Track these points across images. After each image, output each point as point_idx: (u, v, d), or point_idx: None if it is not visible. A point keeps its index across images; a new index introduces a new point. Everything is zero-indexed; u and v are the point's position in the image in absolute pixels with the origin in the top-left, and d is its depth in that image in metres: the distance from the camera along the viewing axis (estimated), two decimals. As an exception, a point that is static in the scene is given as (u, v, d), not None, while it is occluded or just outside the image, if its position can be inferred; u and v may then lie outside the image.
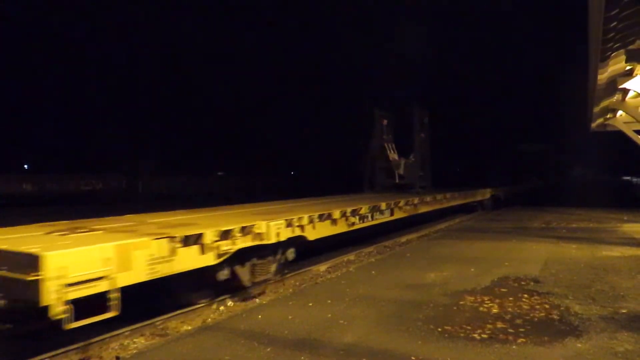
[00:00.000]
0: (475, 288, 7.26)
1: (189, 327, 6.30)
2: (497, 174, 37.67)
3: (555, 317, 5.82)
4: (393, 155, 16.50)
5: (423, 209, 15.48)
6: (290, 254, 8.52)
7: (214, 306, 7.30)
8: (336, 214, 10.03)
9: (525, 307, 6.24)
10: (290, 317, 5.99)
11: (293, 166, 63.36)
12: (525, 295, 6.77)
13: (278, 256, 8.23)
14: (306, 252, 10.00)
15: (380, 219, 12.38)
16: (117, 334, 5.95)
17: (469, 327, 5.43)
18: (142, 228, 6.72)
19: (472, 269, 8.65)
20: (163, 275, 5.85)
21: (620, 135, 17.99)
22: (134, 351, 5.34)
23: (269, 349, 4.88)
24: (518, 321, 5.65)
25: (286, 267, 8.75)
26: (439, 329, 5.39)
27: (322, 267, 10.00)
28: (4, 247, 5.01)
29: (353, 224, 10.87)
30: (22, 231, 6.40)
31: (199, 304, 7.23)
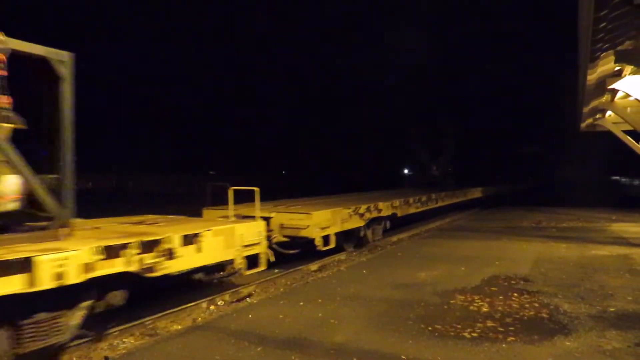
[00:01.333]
0: (465, 287, 7.29)
1: (179, 327, 6.26)
2: (493, 175, 38.35)
3: (544, 315, 5.86)
4: (425, 159, 18.89)
5: (448, 201, 20.38)
6: (388, 224, 13.60)
7: (204, 305, 7.26)
8: (410, 200, 15.27)
9: (515, 305, 6.27)
10: (280, 316, 5.98)
11: (284, 166, 63.41)
12: (515, 294, 6.81)
13: (382, 225, 13.18)
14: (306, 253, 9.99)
15: (432, 205, 17.86)
16: (106, 334, 5.89)
17: (459, 326, 5.45)
18: (320, 204, 11.73)
19: (463, 268, 8.69)
20: (346, 229, 11.00)
21: (609, 135, 18.18)
22: (123, 351, 5.29)
23: (259, 349, 4.86)
24: (508, 320, 5.68)
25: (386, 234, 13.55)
26: (430, 328, 5.40)
27: (313, 267, 9.99)
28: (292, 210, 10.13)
29: (417, 207, 16.07)
30: (258, 207, 8.72)
31: (349, 250, 11.65)
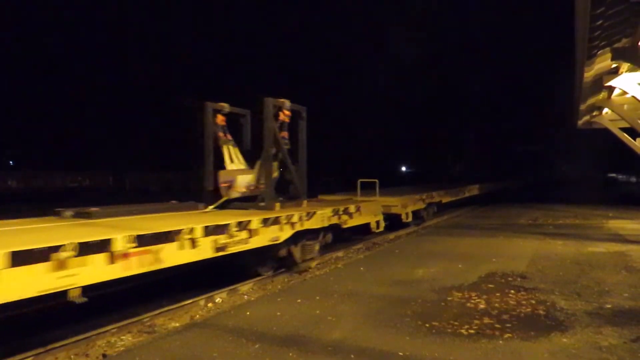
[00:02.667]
0: (462, 284, 7.31)
1: (177, 324, 6.27)
2: (492, 172, 39.38)
3: (541, 312, 5.89)
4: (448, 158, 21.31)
5: (474, 192, 24.59)
6: (436, 208, 18.12)
7: (202, 303, 7.27)
8: (448, 192, 19.77)
9: (511, 302, 6.30)
10: (278, 313, 5.99)
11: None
12: (512, 291, 6.84)
13: (433, 209, 17.70)
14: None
15: (461, 196, 21.90)
16: (104, 332, 5.91)
17: (456, 323, 5.47)
18: (391, 193, 15.51)
19: (460, 265, 8.71)
20: (415, 209, 15.29)
21: (606, 132, 18.23)
22: (121, 349, 5.30)
23: (257, 346, 4.88)
24: (505, 317, 5.70)
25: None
26: (427, 325, 5.42)
27: (311, 264, 9.99)
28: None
29: (451, 197, 20.14)
30: (377, 193, 14.18)
31: (414, 225, 15.56)
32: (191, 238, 6.53)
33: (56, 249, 4.92)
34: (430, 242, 11.81)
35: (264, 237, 8.01)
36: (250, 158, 10.59)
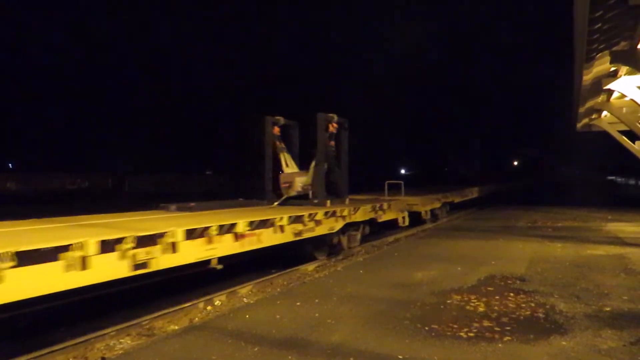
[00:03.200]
0: (462, 287, 7.31)
1: (176, 327, 6.25)
2: (493, 174, 40.36)
3: (540, 315, 5.88)
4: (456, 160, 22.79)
5: (482, 193, 26.69)
6: (448, 207, 19.85)
7: (201, 305, 7.26)
8: (458, 192, 21.78)
9: (511, 305, 6.30)
10: (277, 316, 5.98)
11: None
12: (511, 294, 6.83)
13: (446, 208, 19.53)
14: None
15: (469, 196, 23.82)
16: (103, 334, 5.89)
17: (455, 326, 5.46)
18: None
19: (459, 268, 8.71)
20: (432, 208, 17.31)
21: (605, 135, 18.25)
22: (120, 352, 5.28)
23: (256, 349, 4.87)
24: (504, 319, 5.70)
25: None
26: (426, 328, 5.42)
27: (310, 267, 10.00)
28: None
29: (461, 197, 21.98)
30: (403, 192, 16.36)
31: (429, 223, 16.96)
32: (280, 225, 8.53)
33: (207, 228, 6.91)
34: (430, 245, 11.81)
35: (325, 227, 10.02)
36: (300, 162, 12.77)
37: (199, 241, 6.70)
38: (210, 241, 6.86)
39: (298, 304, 6.54)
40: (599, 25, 8.16)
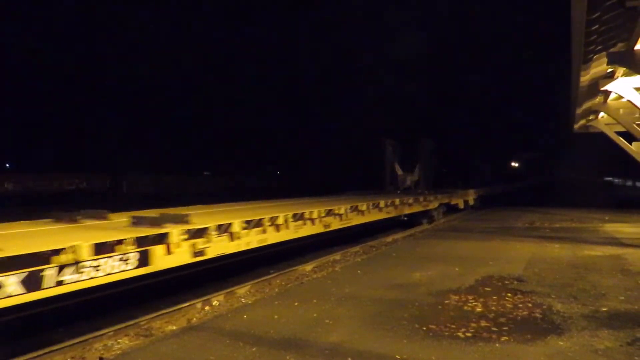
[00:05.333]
0: (460, 287, 7.32)
1: (174, 327, 6.26)
2: (494, 177, 41.71)
3: (538, 315, 5.90)
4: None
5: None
6: (480, 199, 25.10)
7: (199, 306, 7.26)
8: (482, 189, 26.86)
9: (508, 305, 6.31)
10: (275, 316, 5.99)
11: (277, 167, 63.73)
12: (509, 294, 6.85)
13: (477, 201, 24.26)
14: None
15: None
16: (101, 335, 5.89)
17: (453, 326, 5.48)
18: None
19: (457, 269, 8.72)
20: (452, 204, 21.25)
21: (602, 136, 18.30)
22: (118, 352, 5.28)
23: (254, 349, 4.87)
24: (501, 320, 5.72)
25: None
26: (424, 328, 5.43)
27: (308, 267, 10.00)
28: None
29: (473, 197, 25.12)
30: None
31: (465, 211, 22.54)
32: (395, 204, 14.00)
33: (378, 204, 12.82)
34: (428, 246, 11.83)
35: (434, 204, 17.55)
36: (404, 168, 21.07)
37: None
38: (365, 214, 11.78)
39: (296, 304, 6.54)
40: (596, 26, 8.20)
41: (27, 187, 30.70)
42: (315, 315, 6.03)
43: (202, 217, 7.52)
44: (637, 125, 14.76)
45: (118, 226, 6.46)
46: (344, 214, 10.74)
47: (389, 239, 14.13)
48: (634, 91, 11.81)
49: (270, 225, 8.11)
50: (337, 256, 11.20)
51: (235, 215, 7.77)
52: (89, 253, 4.93)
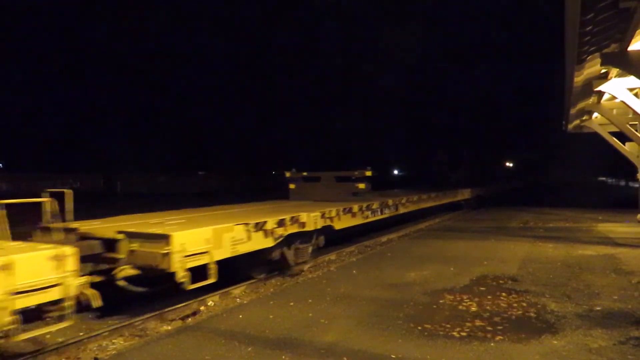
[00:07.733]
0: (454, 287, 7.35)
1: (169, 327, 6.24)
2: (492, 177, 42.67)
3: (532, 314, 5.93)
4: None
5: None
6: (476, 198, 26.65)
7: (195, 306, 7.24)
8: (478, 189, 27.60)
9: (503, 305, 6.34)
10: (271, 316, 5.99)
11: (274, 167, 63.77)
12: (503, 294, 6.88)
13: (474, 200, 25.71)
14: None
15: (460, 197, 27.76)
16: (96, 335, 5.87)
17: (448, 326, 5.50)
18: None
19: (452, 268, 8.75)
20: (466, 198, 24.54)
21: (596, 137, 18.41)
22: (113, 352, 5.27)
23: (249, 349, 4.87)
24: (496, 319, 5.74)
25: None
26: (419, 328, 5.45)
27: (304, 267, 10.00)
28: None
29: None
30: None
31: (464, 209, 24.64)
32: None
33: (421, 198, 17.07)
34: (422, 245, 11.85)
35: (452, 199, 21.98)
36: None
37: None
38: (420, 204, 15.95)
39: (291, 304, 6.55)
40: (590, 27, 8.23)
41: (20, 188, 30.49)
42: (310, 314, 6.03)
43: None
44: (631, 125, 14.86)
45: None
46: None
47: (384, 238, 14.15)
48: (628, 92, 11.88)
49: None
50: (332, 256, 11.21)
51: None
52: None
